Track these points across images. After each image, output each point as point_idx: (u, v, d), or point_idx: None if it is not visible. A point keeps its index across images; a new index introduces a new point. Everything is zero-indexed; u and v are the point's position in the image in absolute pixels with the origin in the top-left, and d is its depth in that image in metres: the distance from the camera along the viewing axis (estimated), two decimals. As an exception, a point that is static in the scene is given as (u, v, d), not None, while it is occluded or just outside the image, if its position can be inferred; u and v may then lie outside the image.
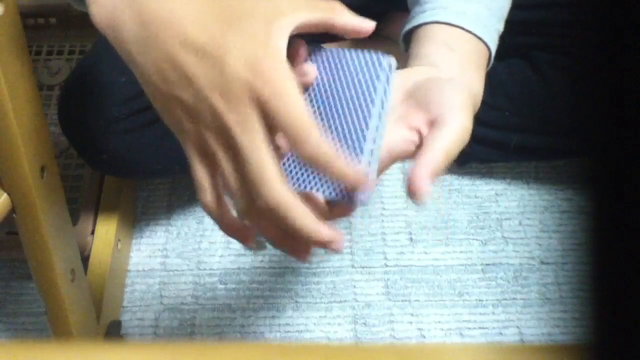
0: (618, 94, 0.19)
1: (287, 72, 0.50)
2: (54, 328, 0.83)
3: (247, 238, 0.56)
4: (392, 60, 0.55)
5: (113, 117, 0.95)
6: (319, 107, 0.55)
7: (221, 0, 0.52)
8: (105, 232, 1.05)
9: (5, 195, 0.70)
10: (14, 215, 0.72)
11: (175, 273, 1.09)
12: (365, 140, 0.53)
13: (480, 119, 1.13)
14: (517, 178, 1.17)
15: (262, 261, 1.10)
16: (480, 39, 0.62)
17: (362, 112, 0.54)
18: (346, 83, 0.55)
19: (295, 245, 0.53)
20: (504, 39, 0.75)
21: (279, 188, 0.49)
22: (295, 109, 0.49)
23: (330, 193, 0.53)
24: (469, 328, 1.03)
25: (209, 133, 0.51)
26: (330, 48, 0.57)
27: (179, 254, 1.11)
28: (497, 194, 1.16)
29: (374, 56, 0.55)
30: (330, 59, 0.56)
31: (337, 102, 0.55)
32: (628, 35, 0.19)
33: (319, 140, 0.49)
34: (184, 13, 0.51)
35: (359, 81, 0.55)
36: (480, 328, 1.03)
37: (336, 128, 0.54)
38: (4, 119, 0.64)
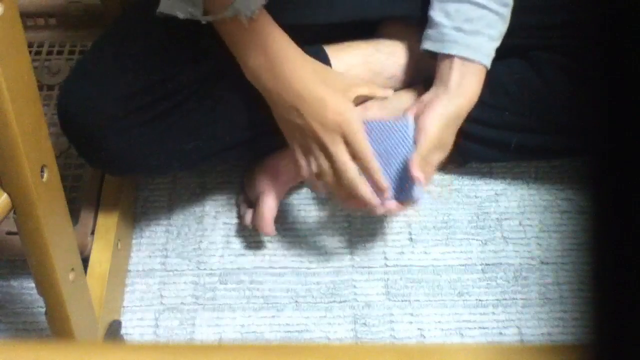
0: (618, 93, 0.19)
1: (358, 120, 0.92)
2: (54, 328, 0.83)
3: (324, 189, 0.98)
4: (410, 119, 0.96)
5: (112, 115, 0.95)
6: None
7: (315, 70, 0.93)
8: (105, 232, 1.05)
9: (5, 195, 0.70)
10: (14, 215, 0.72)
11: (175, 273, 1.10)
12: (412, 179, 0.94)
13: (480, 119, 1.15)
14: (517, 178, 1.17)
15: (262, 261, 1.10)
16: (477, 62, 0.96)
17: (404, 159, 0.96)
18: (390, 140, 0.97)
19: (358, 204, 0.96)
20: (504, 39, 0.89)
21: (356, 178, 0.93)
22: (362, 144, 0.92)
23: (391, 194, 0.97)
24: (469, 328, 1.03)
25: (313, 144, 0.93)
26: (375, 122, 0.98)
27: (179, 254, 1.11)
28: (497, 194, 1.16)
29: (401, 121, 0.96)
30: (376, 127, 0.97)
31: (384, 153, 0.96)
32: (627, 35, 0.19)
33: (372, 163, 0.93)
34: (298, 78, 0.92)
35: (395, 137, 0.96)
36: (480, 328, 1.03)
37: (388, 166, 0.97)
38: (4, 119, 0.64)
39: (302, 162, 0.95)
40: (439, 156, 0.97)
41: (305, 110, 0.91)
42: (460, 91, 0.96)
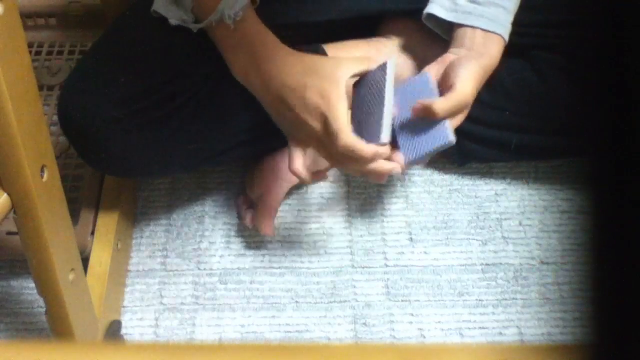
0: (617, 93, 0.19)
1: (342, 97, 0.89)
2: (54, 328, 0.83)
3: (318, 178, 0.99)
4: (389, 62, 0.93)
5: (112, 117, 0.95)
6: (359, 109, 0.95)
7: (302, 60, 0.92)
8: (105, 232, 1.05)
9: (5, 195, 0.70)
10: (14, 215, 0.72)
11: (175, 273, 1.10)
12: (382, 120, 0.91)
13: (480, 119, 1.15)
14: (517, 178, 1.17)
15: (262, 261, 1.10)
16: (493, 32, 0.95)
17: (379, 104, 0.92)
18: (369, 90, 0.94)
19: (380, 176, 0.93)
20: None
21: (344, 140, 0.89)
22: (338, 120, 0.88)
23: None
24: (469, 328, 1.03)
25: (300, 129, 0.91)
26: (366, 74, 0.95)
27: (179, 254, 1.11)
28: (497, 194, 1.16)
29: (380, 66, 0.93)
30: (365, 80, 0.95)
31: (366, 103, 0.94)
32: (627, 35, 0.19)
33: (344, 139, 0.88)
34: (282, 69, 0.91)
35: (373, 85, 0.94)
36: (480, 328, 1.03)
37: (366, 115, 0.93)
38: (4, 119, 0.64)
39: (296, 151, 0.93)
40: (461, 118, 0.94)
41: (290, 99, 0.90)
42: (484, 51, 0.94)
